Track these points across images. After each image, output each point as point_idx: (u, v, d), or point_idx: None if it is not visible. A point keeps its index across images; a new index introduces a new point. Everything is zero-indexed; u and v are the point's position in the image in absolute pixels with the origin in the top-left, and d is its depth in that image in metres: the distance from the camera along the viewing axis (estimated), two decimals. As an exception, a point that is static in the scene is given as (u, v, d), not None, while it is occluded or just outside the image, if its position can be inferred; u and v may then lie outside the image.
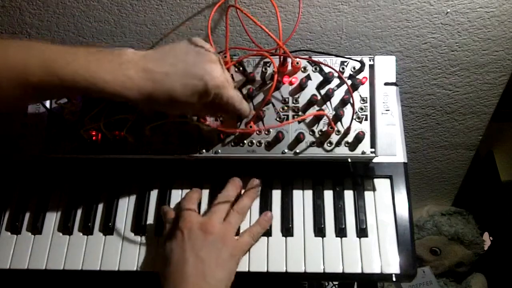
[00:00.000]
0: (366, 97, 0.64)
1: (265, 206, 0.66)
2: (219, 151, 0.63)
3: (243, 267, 0.62)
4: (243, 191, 0.67)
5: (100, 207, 0.68)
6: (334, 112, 0.63)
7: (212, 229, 0.60)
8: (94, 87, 0.49)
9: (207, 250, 0.58)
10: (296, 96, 0.65)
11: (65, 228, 0.67)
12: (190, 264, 0.57)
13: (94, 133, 0.63)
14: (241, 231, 0.64)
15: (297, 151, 0.63)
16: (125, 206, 0.68)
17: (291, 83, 0.65)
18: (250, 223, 0.65)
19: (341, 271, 0.62)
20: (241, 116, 0.63)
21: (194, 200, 0.65)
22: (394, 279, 0.62)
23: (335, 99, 0.64)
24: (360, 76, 0.64)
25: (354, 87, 0.64)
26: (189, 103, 0.54)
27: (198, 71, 0.53)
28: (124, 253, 0.65)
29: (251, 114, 0.63)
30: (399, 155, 0.68)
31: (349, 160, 0.67)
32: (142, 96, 0.51)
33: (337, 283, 1.06)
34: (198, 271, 0.56)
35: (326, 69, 0.64)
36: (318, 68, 0.65)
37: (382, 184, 0.68)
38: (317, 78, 0.65)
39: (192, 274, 0.56)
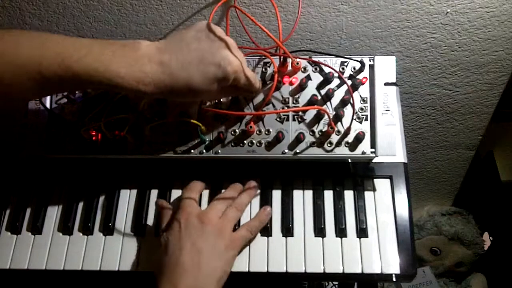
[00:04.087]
0: (366, 97, 0.64)
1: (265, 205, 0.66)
2: (219, 151, 0.63)
3: (243, 267, 0.62)
4: None
5: (100, 207, 0.68)
6: (334, 112, 0.63)
7: (209, 221, 0.60)
8: (109, 82, 0.48)
9: (204, 240, 0.58)
10: (296, 96, 0.65)
11: (65, 228, 0.67)
12: (186, 252, 0.57)
13: (94, 133, 0.63)
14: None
15: (297, 151, 0.63)
16: (125, 206, 0.68)
17: (291, 83, 0.65)
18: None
19: (341, 271, 0.62)
20: (255, 92, 0.63)
21: (196, 190, 0.65)
22: (394, 279, 0.62)
23: (335, 99, 0.64)
24: (360, 76, 0.64)
25: (354, 87, 0.64)
26: (208, 91, 0.54)
27: (214, 58, 0.52)
28: (124, 253, 0.65)
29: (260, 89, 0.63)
30: (399, 155, 0.68)
31: (349, 160, 0.67)
32: (159, 90, 0.50)
33: (337, 283, 1.06)
34: (194, 259, 0.56)
35: (326, 69, 0.64)
36: (318, 68, 0.65)
37: (382, 184, 0.68)
38: (317, 78, 0.65)
39: (187, 262, 0.56)
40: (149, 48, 0.51)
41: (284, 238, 0.65)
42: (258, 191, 0.68)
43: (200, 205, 0.67)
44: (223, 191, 0.67)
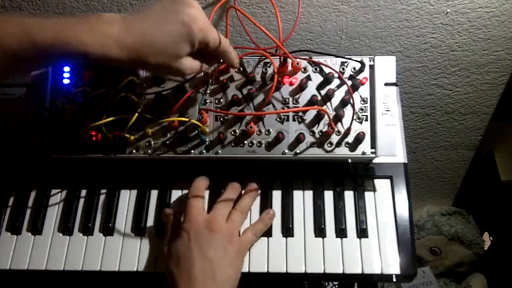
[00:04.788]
0: (366, 98, 0.64)
1: (266, 206, 0.66)
2: (219, 151, 0.63)
3: (243, 267, 0.62)
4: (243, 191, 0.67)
5: (100, 207, 0.68)
6: (334, 113, 0.63)
7: (218, 227, 0.60)
8: (74, 51, 0.48)
9: (215, 249, 0.58)
10: (296, 96, 0.64)
11: (65, 228, 0.67)
12: (198, 263, 0.57)
13: (94, 133, 0.63)
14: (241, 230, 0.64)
15: (297, 151, 0.63)
16: (125, 207, 0.68)
17: (291, 84, 0.65)
18: (250, 224, 0.65)
19: (341, 271, 0.62)
20: (229, 63, 0.61)
21: (202, 190, 0.64)
22: (394, 279, 0.62)
23: (335, 100, 0.64)
24: (360, 77, 0.64)
25: (354, 87, 0.64)
26: (177, 54, 0.52)
27: (178, 16, 0.51)
28: (124, 254, 0.65)
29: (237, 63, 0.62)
30: (399, 156, 0.68)
31: (349, 160, 0.67)
32: (124, 52, 0.50)
33: (337, 283, 1.06)
34: (207, 270, 0.56)
35: (326, 70, 0.64)
36: (318, 69, 0.65)
37: (382, 185, 0.68)
38: (317, 78, 0.65)
39: (200, 274, 0.56)
40: (112, 16, 0.51)
41: (284, 238, 0.65)
42: (259, 191, 0.68)
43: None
44: (223, 191, 0.67)
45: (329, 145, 0.63)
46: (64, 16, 0.75)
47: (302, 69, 0.65)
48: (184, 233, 0.59)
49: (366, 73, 0.64)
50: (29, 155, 0.66)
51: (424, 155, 1.08)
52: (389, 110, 0.63)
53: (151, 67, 0.57)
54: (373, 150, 0.62)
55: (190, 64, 0.55)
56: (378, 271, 0.62)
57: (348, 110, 0.63)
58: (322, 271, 0.62)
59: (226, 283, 0.57)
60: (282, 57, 0.63)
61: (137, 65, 0.57)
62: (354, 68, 0.64)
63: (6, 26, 0.47)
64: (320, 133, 0.63)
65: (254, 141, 0.63)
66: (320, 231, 0.65)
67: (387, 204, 0.66)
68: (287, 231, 0.65)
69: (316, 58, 0.65)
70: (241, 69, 0.65)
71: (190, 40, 0.52)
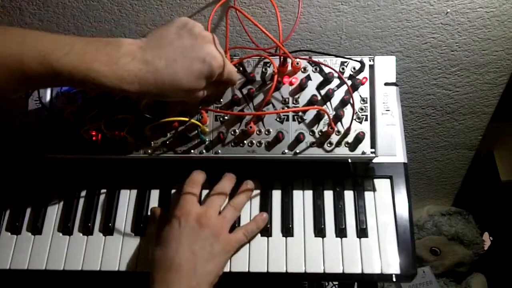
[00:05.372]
0: (366, 98, 0.64)
1: (265, 206, 0.66)
2: (219, 151, 0.63)
3: (243, 267, 0.62)
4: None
5: (100, 207, 0.68)
6: (334, 113, 0.63)
7: (207, 222, 0.60)
8: (92, 81, 0.48)
9: (201, 243, 0.58)
10: (296, 96, 0.64)
11: (65, 228, 0.67)
12: (183, 255, 0.57)
13: (94, 133, 0.63)
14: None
15: (297, 151, 0.63)
16: (125, 206, 0.68)
17: (291, 84, 0.65)
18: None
19: (341, 271, 0.62)
20: (233, 84, 0.64)
21: (198, 184, 0.65)
22: (394, 279, 0.62)
23: (335, 100, 0.64)
24: (360, 76, 0.64)
25: (354, 87, 0.64)
26: (195, 89, 0.54)
27: (199, 54, 0.52)
28: (124, 253, 0.65)
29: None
30: (399, 155, 0.68)
31: (349, 160, 0.67)
32: (144, 88, 0.50)
33: (337, 283, 1.06)
34: (190, 263, 0.57)
35: (326, 70, 0.64)
36: (318, 69, 0.65)
37: (382, 184, 0.68)
38: (317, 78, 0.65)
39: (183, 265, 0.56)
40: (131, 46, 0.50)
41: (284, 238, 0.65)
42: (258, 191, 0.68)
43: (201, 193, 0.66)
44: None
45: (329, 145, 0.63)
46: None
47: (302, 69, 0.65)
48: (175, 222, 0.60)
49: (366, 73, 0.64)
50: (29, 155, 0.66)
51: (424, 155, 1.08)
52: (389, 110, 0.63)
53: (167, 99, 0.59)
54: (373, 150, 0.62)
55: (203, 94, 0.58)
56: (378, 271, 0.62)
57: (348, 110, 0.63)
58: (322, 271, 0.62)
59: (206, 278, 0.57)
60: (282, 57, 0.63)
61: (151, 96, 0.59)
62: (354, 68, 0.64)
63: (25, 48, 0.46)
64: (320, 133, 0.63)
65: (254, 141, 0.63)
66: (320, 231, 0.65)
67: (387, 204, 0.66)
68: (287, 231, 0.65)
69: (316, 58, 0.65)
70: (241, 68, 0.65)
71: (210, 77, 0.54)
